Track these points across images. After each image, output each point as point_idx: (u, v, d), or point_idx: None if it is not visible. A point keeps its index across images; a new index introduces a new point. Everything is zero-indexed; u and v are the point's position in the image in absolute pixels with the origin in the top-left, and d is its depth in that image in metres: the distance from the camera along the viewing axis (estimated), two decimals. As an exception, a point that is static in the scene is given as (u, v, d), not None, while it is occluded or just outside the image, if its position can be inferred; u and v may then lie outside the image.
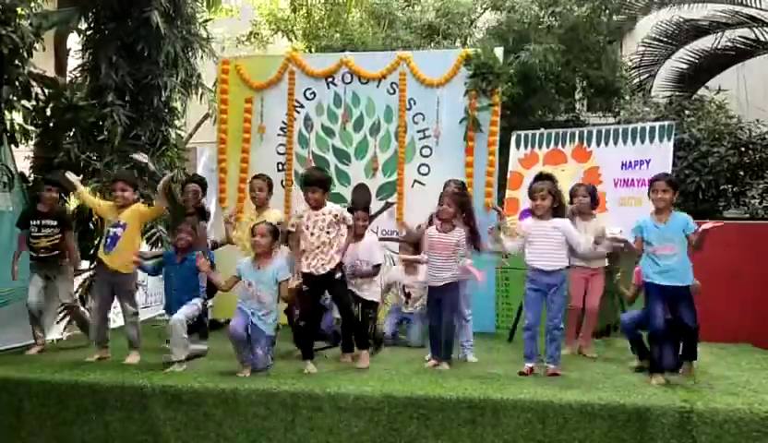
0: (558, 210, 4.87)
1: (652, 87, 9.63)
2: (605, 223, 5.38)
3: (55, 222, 5.42)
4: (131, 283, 5.15)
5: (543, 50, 8.87)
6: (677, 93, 9.33)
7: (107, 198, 6.33)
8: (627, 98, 9.99)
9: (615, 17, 9.68)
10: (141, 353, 5.09)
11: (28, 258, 5.52)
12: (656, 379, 4.53)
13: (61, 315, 6.11)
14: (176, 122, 7.47)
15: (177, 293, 4.92)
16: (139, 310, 5.28)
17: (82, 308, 5.93)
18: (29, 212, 5.57)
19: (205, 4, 8.24)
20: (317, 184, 4.90)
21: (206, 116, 8.12)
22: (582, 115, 10.36)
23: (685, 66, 9.20)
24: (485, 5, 10.44)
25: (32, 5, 5.74)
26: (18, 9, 5.41)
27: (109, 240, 5.02)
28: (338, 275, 4.87)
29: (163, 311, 5.49)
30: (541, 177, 4.98)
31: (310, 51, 10.26)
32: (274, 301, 4.74)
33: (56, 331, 6.18)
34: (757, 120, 8.51)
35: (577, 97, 10.64)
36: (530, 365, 4.75)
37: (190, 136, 8.80)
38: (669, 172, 5.82)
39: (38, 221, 5.39)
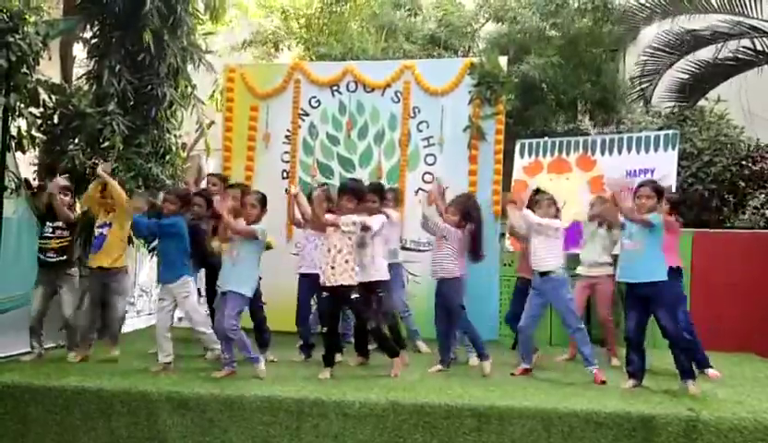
0: None
1: (652, 96, 9.65)
2: None
3: (65, 225, 5.55)
4: (124, 282, 5.52)
5: (542, 64, 8.90)
6: (678, 103, 9.36)
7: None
8: (629, 108, 10.01)
9: (616, 29, 9.68)
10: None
11: (34, 267, 5.57)
12: (626, 383, 4.66)
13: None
14: (176, 131, 7.48)
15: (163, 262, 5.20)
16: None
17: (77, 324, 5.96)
18: (41, 217, 5.70)
19: (208, 15, 8.27)
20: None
21: (211, 123, 8.14)
22: (583, 125, 10.36)
23: (686, 77, 9.22)
24: (487, 16, 10.45)
25: (41, 13, 5.76)
26: (26, 17, 5.43)
27: (96, 241, 5.44)
28: (353, 295, 4.89)
29: (181, 317, 5.82)
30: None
31: (311, 60, 10.30)
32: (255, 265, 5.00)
33: (60, 337, 6.18)
34: (758, 139, 8.55)
35: (579, 107, 10.63)
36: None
37: (195, 142, 8.84)
38: (674, 180, 5.86)
39: (53, 224, 5.53)
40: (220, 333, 4.91)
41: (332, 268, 4.84)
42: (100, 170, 5.42)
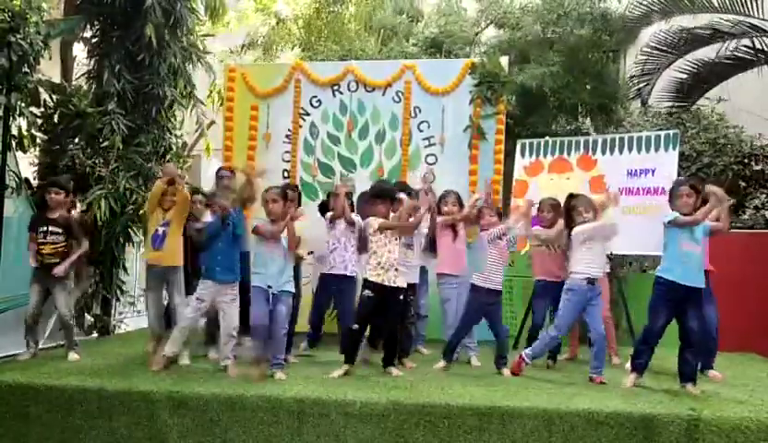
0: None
1: (650, 96, 9.61)
2: None
3: (61, 230, 5.28)
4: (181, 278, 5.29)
5: (541, 73, 8.88)
6: (675, 104, 9.33)
7: (114, 205, 6.40)
8: (628, 109, 9.98)
9: (617, 35, 9.64)
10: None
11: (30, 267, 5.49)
12: (628, 379, 4.65)
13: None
14: (176, 131, 7.50)
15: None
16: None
17: (75, 327, 5.86)
18: (36, 217, 5.48)
19: (208, 15, 8.30)
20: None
21: (211, 123, 8.17)
22: (584, 126, 10.36)
23: (684, 76, 9.18)
24: (488, 21, 10.44)
25: (42, 13, 5.77)
26: (28, 17, 5.44)
27: (156, 238, 5.22)
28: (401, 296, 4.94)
29: None
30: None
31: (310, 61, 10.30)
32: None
33: (59, 337, 6.18)
34: (759, 134, 8.54)
35: (579, 111, 10.61)
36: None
37: (195, 142, 8.85)
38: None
39: (45, 227, 5.26)
40: (257, 330, 4.79)
41: (386, 271, 4.84)
42: (171, 167, 5.32)
